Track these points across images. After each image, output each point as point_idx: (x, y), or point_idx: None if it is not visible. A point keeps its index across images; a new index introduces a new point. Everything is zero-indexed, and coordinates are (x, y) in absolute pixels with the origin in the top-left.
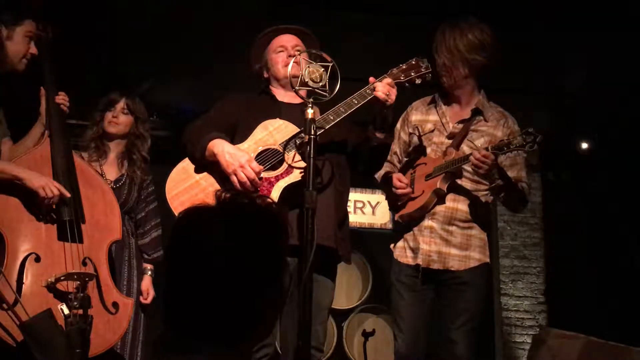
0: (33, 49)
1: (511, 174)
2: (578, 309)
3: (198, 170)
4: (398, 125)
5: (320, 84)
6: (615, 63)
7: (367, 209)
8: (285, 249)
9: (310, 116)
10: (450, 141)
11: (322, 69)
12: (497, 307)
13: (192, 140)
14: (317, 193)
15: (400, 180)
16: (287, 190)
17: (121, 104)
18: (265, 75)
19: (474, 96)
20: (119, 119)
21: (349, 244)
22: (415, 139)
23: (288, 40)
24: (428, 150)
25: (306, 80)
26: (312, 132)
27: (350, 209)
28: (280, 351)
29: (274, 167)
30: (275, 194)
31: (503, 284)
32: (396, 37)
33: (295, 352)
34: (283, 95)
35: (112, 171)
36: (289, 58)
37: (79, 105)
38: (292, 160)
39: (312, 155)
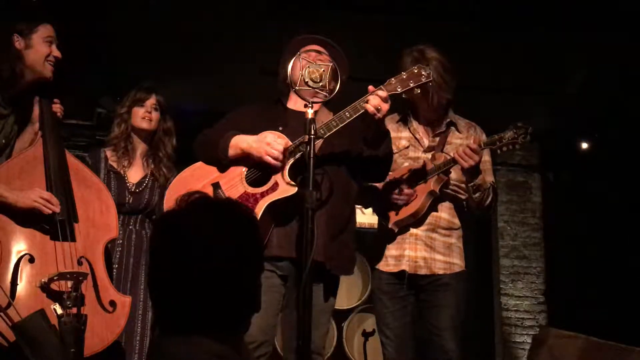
0: (56, 52)
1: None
2: (578, 309)
3: (222, 170)
4: None
5: (320, 84)
6: (615, 63)
7: (367, 209)
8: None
9: (310, 116)
10: (430, 153)
11: (322, 69)
12: (497, 307)
13: (211, 143)
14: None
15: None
16: (272, 206)
17: (152, 100)
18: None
19: (446, 112)
20: (152, 115)
21: (348, 256)
22: None
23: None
24: (406, 164)
25: (306, 80)
26: (313, 131)
27: None
28: (280, 351)
29: (261, 183)
30: (259, 210)
31: (503, 284)
32: (396, 37)
33: (295, 353)
34: (294, 102)
35: (136, 172)
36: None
37: (78, 106)
38: (282, 176)
39: (312, 155)
